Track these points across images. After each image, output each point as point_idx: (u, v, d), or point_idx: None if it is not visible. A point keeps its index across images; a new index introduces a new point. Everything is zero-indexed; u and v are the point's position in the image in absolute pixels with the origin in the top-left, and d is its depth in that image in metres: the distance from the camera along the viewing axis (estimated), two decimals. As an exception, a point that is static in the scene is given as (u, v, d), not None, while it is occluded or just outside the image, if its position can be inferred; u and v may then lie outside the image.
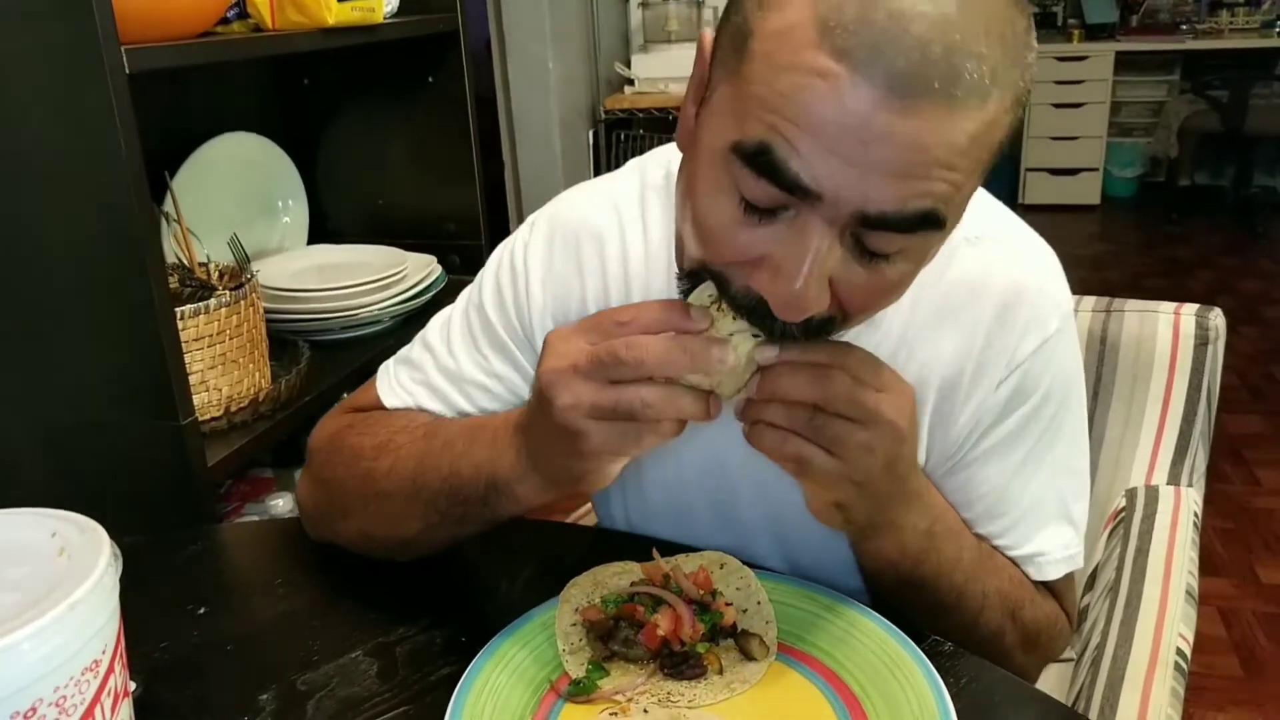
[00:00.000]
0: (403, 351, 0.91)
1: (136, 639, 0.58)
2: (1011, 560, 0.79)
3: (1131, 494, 1.12)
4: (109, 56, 0.99)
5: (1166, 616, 0.92)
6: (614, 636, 0.70)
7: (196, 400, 1.16)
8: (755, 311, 0.61)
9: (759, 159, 0.55)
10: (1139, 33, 5.15)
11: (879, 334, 0.74)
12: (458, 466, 0.74)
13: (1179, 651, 0.88)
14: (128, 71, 1.00)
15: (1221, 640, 2.04)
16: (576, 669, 0.70)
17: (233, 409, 1.25)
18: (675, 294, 0.70)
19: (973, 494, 0.78)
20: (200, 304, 1.20)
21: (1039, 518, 0.79)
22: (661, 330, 0.61)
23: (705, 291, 0.63)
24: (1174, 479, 1.14)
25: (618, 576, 0.76)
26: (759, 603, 0.74)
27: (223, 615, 0.82)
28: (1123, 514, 1.10)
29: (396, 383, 0.88)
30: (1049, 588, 0.82)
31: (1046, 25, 5.39)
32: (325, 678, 0.73)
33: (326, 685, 0.72)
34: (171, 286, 1.26)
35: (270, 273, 1.55)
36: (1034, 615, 0.79)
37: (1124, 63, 5.08)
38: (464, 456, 0.74)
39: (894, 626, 0.71)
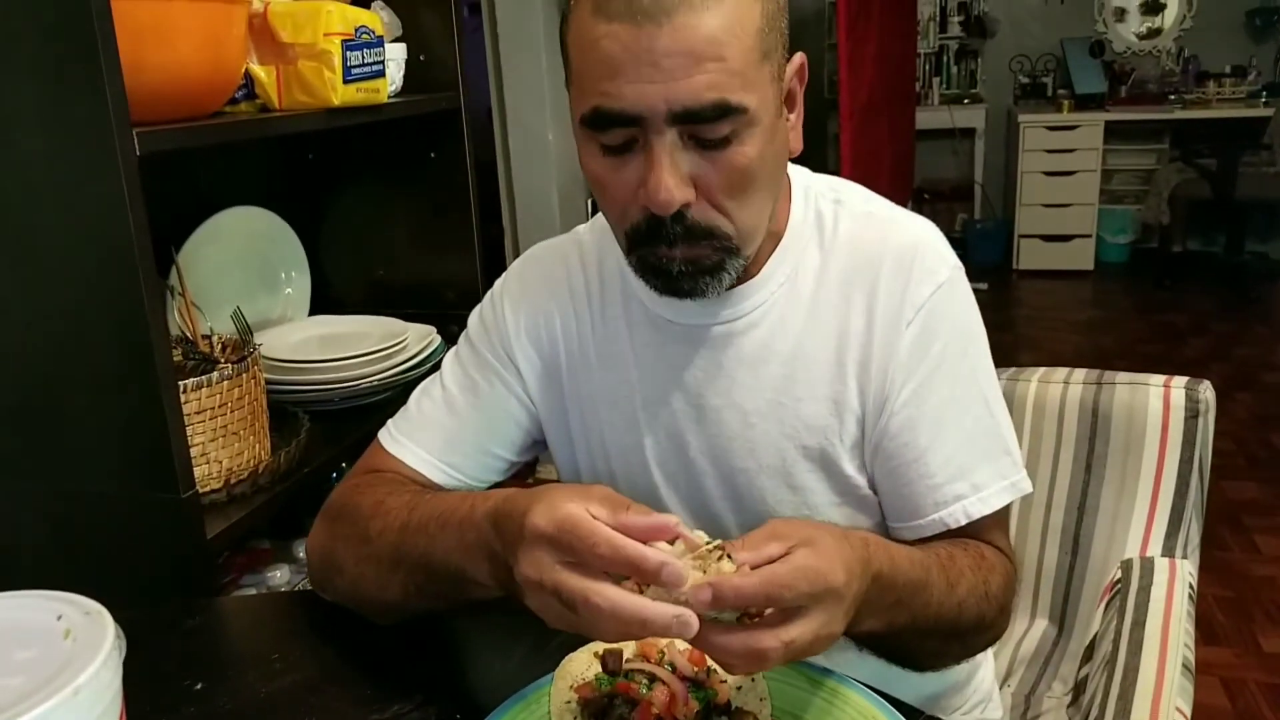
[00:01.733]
0: (400, 410, 0.99)
1: (135, 715, 0.58)
2: (956, 495, 0.85)
3: (1127, 565, 1.12)
4: (121, 139, 1.01)
5: (1164, 691, 0.92)
6: (609, 714, 0.71)
7: (197, 473, 1.16)
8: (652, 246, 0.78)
9: (597, 118, 0.75)
10: (1127, 103, 5.24)
11: (795, 296, 0.88)
12: (431, 550, 0.77)
13: (1177, 727, 0.88)
14: (138, 153, 1.03)
15: (1226, 711, 2.02)
16: (572, 748, 0.70)
17: (232, 481, 1.25)
18: (629, 307, 0.92)
19: (912, 436, 0.85)
20: (203, 377, 1.21)
21: (976, 451, 0.86)
22: (634, 571, 0.61)
23: (701, 536, 0.64)
24: (1168, 551, 1.15)
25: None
26: (753, 679, 0.74)
27: (219, 691, 0.82)
28: (1119, 585, 1.10)
29: (395, 429, 0.96)
30: (987, 532, 0.86)
31: (1037, 95, 5.50)
32: (320, 756, 0.73)
33: (322, 764, 0.72)
34: (175, 359, 1.28)
35: (272, 343, 1.57)
36: (998, 581, 0.84)
37: (1113, 132, 5.16)
38: (436, 541, 0.77)
39: (889, 706, 0.72)
